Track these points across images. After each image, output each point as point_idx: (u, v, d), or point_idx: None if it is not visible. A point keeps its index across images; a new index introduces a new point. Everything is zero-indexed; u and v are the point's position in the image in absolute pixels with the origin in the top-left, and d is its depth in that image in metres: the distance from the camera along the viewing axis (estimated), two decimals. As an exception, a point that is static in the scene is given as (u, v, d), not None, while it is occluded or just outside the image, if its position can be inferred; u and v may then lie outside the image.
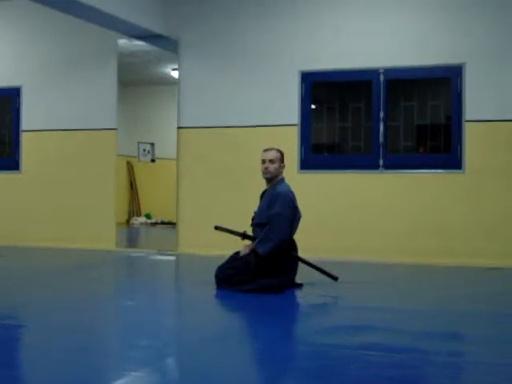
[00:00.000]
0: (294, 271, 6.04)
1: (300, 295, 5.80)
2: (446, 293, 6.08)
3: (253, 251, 5.84)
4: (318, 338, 4.25)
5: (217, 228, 6.32)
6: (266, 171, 6.05)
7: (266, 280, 5.74)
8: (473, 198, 7.91)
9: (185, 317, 5.09)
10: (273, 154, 6.07)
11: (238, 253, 6.02)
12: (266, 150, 6.13)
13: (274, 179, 6.08)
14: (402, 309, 5.23)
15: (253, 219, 6.16)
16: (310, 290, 5.96)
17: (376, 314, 5.00)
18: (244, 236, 6.10)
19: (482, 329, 4.57)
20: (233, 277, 5.81)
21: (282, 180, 6.13)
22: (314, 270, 6.28)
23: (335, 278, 6.29)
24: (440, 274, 7.30)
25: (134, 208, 14.10)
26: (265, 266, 5.79)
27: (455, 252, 7.86)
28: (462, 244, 7.86)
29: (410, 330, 4.45)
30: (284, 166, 6.18)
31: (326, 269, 6.34)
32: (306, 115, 8.55)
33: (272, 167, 6.03)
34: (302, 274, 6.21)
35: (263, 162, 6.07)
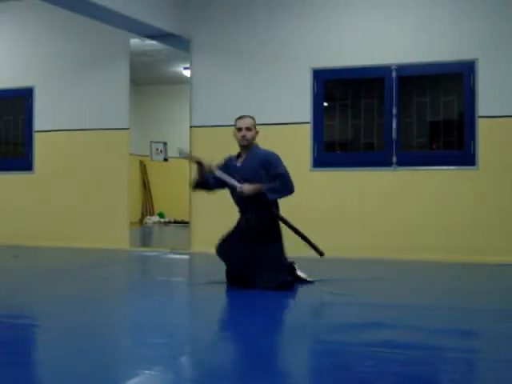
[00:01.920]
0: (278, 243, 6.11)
1: (307, 293, 5.79)
2: (457, 289, 6.06)
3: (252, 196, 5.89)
4: (329, 336, 4.24)
5: (181, 153, 6.40)
6: (243, 139, 6.03)
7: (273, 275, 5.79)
8: (486, 194, 7.87)
9: (198, 315, 5.08)
10: (249, 122, 6.07)
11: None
12: (240, 118, 6.10)
13: (250, 146, 6.08)
14: (411, 305, 5.20)
15: (236, 175, 6.03)
16: (317, 288, 5.94)
17: (386, 310, 4.98)
18: (200, 164, 6.06)
19: (494, 324, 4.54)
20: (223, 246, 6.01)
21: (257, 145, 6.14)
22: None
23: (321, 254, 6.27)
24: (452, 271, 7.26)
25: (147, 207, 14.13)
26: (253, 228, 5.95)
27: (469, 248, 7.82)
28: (476, 241, 7.82)
29: (420, 327, 4.43)
30: (258, 132, 6.16)
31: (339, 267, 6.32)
32: (318, 113, 8.54)
33: (249, 134, 6.03)
34: (309, 272, 6.22)
35: (239, 130, 6.04)
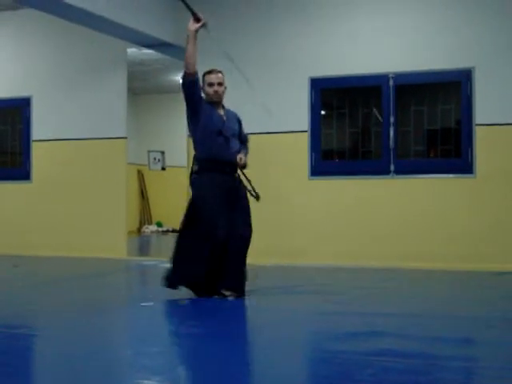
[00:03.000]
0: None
1: (307, 302, 5.77)
2: (456, 297, 6.05)
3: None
4: (330, 345, 4.23)
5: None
6: (216, 95, 5.81)
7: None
8: (484, 202, 7.87)
9: (196, 324, 5.06)
10: (220, 76, 5.87)
11: None
12: (210, 73, 5.88)
13: (221, 102, 5.91)
14: (410, 313, 5.19)
15: (224, 131, 5.80)
16: (316, 297, 5.93)
17: (386, 319, 4.97)
18: (197, 20, 5.87)
19: (494, 333, 4.53)
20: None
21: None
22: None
23: (257, 198, 6.05)
24: (450, 279, 7.26)
25: (145, 216, 14.16)
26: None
27: (467, 257, 7.82)
28: (474, 248, 7.83)
29: (420, 335, 4.42)
30: (226, 87, 5.97)
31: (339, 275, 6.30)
32: (316, 121, 8.55)
33: (221, 90, 5.85)
34: (308, 280, 6.20)
35: (211, 85, 5.81)
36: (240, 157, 5.75)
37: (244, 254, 5.83)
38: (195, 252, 5.66)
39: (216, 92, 5.81)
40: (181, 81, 5.82)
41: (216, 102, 5.86)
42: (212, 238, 5.62)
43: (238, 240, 5.75)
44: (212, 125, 5.76)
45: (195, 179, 5.82)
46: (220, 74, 5.89)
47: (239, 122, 6.06)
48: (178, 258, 5.74)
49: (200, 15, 5.79)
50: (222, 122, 5.82)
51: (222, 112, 5.90)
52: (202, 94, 5.87)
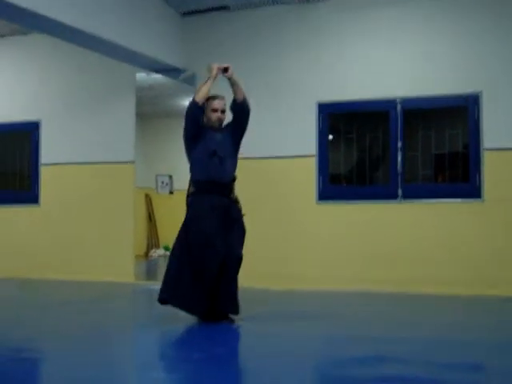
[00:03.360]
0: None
1: (314, 327, 5.74)
2: (465, 323, 6.02)
3: None
4: (338, 371, 4.21)
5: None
6: (219, 121, 5.93)
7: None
8: (492, 226, 7.84)
9: (207, 350, 5.04)
10: (224, 103, 5.96)
11: None
12: (214, 98, 5.94)
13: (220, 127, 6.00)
14: (417, 339, 5.17)
15: (219, 151, 5.89)
16: (323, 323, 5.91)
17: (394, 344, 4.94)
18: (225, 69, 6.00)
19: (502, 359, 4.50)
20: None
21: None
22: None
23: None
24: (458, 304, 7.22)
25: (152, 240, 14.17)
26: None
27: (475, 282, 7.78)
28: (482, 274, 7.78)
29: (428, 361, 4.39)
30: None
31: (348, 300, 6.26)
32: (323, 146, 8.56)
33: (223, 117, 5.96)
34: (316, 305, 6.17)
35: (215, 110, 5.90)
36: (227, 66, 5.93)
37: (237, 273, 5.89)
38: (194, 277, 5.70)
39: (219, 119, 5.94)
40: (188, 105, 5.88)
41: (216, 128, 5.96)
42: (210, 258, 5.67)
43: (234, 261, 5.79)
44: (207, 147, 5.86)
45: (192, 200, 5.90)
46: (223, 101, 5.98)
47: (232, 130, 6.04)
48: (173, 279, 5.80)
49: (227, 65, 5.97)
50: (217, 143, 5.89)
51: (219, 134, 5.97)
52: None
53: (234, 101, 6.01)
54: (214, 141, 5.89)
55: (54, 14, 6.67)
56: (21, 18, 6.84)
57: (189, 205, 5.92)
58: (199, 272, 5.68)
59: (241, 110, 6.01)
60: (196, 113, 5.84)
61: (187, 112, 5.87)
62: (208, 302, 5.72)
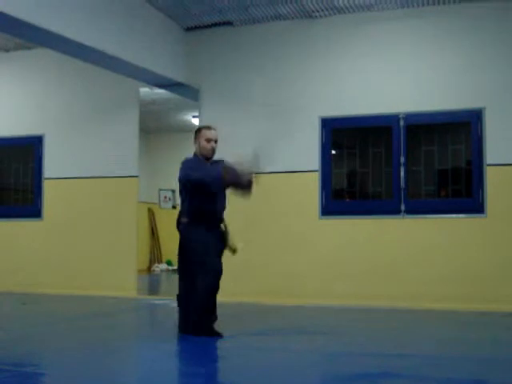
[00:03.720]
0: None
1: (317, 343, 5.72)
2: (469, 338, 6.00)
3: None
4: (339, 387, 4.20)
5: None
6: (212, 151, 6.07)
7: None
8: (495, 242, 7.83)
9: (207, 365, 5.03)
10: (217, 134, 6.10)
11: None
12: (208, 128, 6.10)
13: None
14: (421, 355, 5.14)
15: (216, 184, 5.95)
16: (326, 338, 5.90)
17: (398, 360, 4.92)
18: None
19: (507, 375, 4.48)
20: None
21: None
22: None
23: (234, 252, 6.15)
24: (462, 320, 7.20)
25: (155, 255, 14.14)
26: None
27: (478, 297, 7.76)
28: (485, 289, 7.77)
29: (433, 377, 4.37)
30: None
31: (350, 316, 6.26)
32: (326, 161, 8.56)
33: (216, 147, 6.09)
34: (319, 320, 6.15)
35: (209, 140, 6.03)
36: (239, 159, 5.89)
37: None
38: (206, 299, 5.86)
39: (212, 149, 6.08)
40: (191, 180, 5.90)
41: (208, 158, 6.09)
42: (215, 277, 5.85)
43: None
44: None
45: (185, 227, 5.98)
46: (216, 132, 6.13)
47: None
48: (189, 307, 5.89)
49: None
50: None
51: (210, 166, 6.09)
52: (195, 148, 6.14)
53: None
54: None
55: (57, 27, 6.67)
56: (22, 32, 6.82)
57: (182, 230, 6.02)
58: (210, 294, 5.91)
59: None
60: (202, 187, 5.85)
61: (191, 183, 5.87)
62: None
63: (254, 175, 5.86)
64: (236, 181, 5.84)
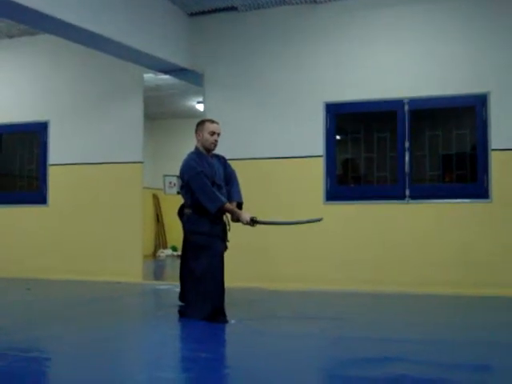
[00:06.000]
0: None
1: (321, 328, 5.74)
2: (473, 323, 6.02)
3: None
4: (347, 371, 4.21)
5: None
6: (215, 144, 6.20)
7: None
8: (500, 227, 7.83)
9: (214, 349, 5.04)
10: (220, 128, 6.25)
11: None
12: (212, 122, 6.23)
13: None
14: (423, 339, 5.16)
15: (217, 180, 6.14)
16: (330, 323, 5.92)
17: (401, 345, 4.94)
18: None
19: (509, 359, 4.50)
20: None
21: None
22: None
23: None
24: (466, 304, 7.21)
25: (160, 240, 14.17)
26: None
27: (483, 282, 7.77)
28: (490, 274, 7.78)
29: (436, 361, 4.39)
30: None
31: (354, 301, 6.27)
32: (331, 146, 8.56)
33: (218, 139, 6.21)
34: (323, 305, 6.16)
35: (213, 133, 6.17)
36: (245, 218, 6.04)
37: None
38: (212, 283, 5.88)
39: (216, 142, 6.19)
40: (193, 182, 6.01)
41: (209, 151, 6.21)
42: (219, 261, 5.94)
43: None
44: (207, 175, 6.02)
45: (189, 218, 6.09)
46: (219, 126, 6.26)
47: (224, 165, 6.38)
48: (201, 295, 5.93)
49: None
50: (214, 171, 6.12)
51: (215, 161, 6.25)
52: (197, 141, 6.25)
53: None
54: (212, 168, 6.13)
55: (60, 13, 6.66)
56: (26, 18, 6.82)
57: (185, 221, 6.14)
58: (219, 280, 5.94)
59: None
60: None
61: (192, 183, 6.01)
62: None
63: (252, 223, 6.07)
64: (235, 218, 6.10)
